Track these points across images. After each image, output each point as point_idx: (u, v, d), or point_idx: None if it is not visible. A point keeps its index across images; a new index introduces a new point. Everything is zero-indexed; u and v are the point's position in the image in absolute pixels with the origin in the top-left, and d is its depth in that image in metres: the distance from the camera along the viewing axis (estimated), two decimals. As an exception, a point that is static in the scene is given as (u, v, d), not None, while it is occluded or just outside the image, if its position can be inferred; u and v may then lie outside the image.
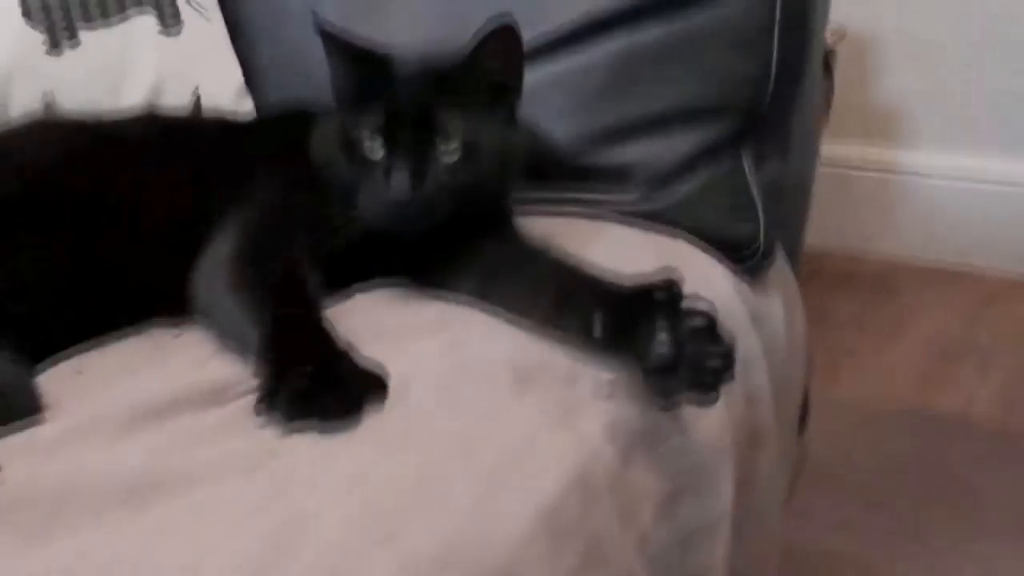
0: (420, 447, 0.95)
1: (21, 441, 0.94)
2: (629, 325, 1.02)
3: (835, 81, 2.70)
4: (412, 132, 1.12)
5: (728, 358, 0.98)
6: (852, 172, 3.05)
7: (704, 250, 1.36)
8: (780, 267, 1.47)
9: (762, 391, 1.29)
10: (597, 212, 1.37)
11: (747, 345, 1.28)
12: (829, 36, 2.36)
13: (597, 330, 1.04)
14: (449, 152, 1.13)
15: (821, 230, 2.15)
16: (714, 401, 1.00)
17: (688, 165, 1.38)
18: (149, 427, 0.96)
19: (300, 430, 0.94)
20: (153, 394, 1.00)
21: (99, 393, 1.02)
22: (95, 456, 0.91)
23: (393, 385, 1.00)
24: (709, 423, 1.13)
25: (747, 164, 1.40)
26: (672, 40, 1.36)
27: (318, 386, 0.96)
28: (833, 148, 2.39)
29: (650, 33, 1.37)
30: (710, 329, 0.99)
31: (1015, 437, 2.29)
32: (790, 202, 1.55)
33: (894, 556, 1.93)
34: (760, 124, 1.40)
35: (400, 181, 1.11)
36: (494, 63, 1.16)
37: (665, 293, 1.01)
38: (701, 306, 1.00)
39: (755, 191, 1.39)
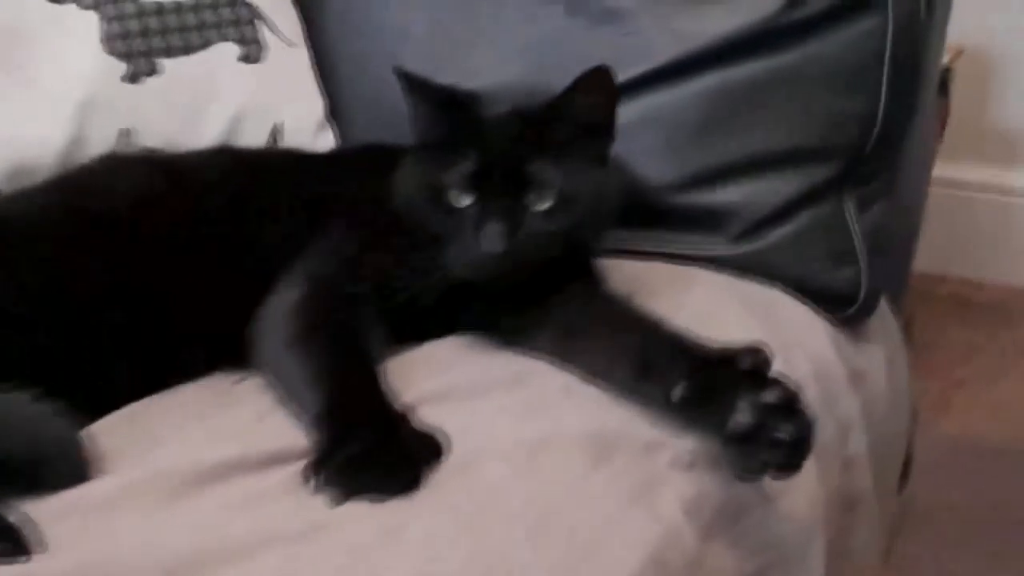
0: (487, 526, 0.90)
1: (67, 501, 0.91)
2: (711, 393, 0.96)
3: (951, 101, 2.59)
4: (504, 181, 1.08)
5: (804, 437, 0.93)
6: (968, 194, 2.92)
7: (800, 301, 1.29)
8: (882, 315, 1.39)
9: (860, 455, 1.21)
10: (687, 258, 1.31)
11: (845, 407, 1.21)
12: (946, 53, 2.26)
13: (677, 395, 0.99)
14: (543, 203, 1.08)
15: (935, 254, 2.05)
16: (791, 476, 0.95)
17: (785, 210, 1.31)
18: (196, 493, 0.92)
19: (353, 499, 0.91)
20: (205, 455, 0.97)
21: (151, 448, 0.99)
22: (136, 527, 0.88)
23: (460, 453, 0.96)
24: (797, 494, 1.06)
25: (849, 208, 1.32)
26: (770, 77, 1.30)
27: (372, 453, 0.93)
28: (948, 170, 2.29)
29: (746, 70, 1.30)
30: (790, 404, 0.93)
31: None
32: (897, 238, 1.46)
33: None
34: (865, 165, 1.32)
35: (493, 234, 1.06)
36: (587, 105, 1.11)
37: (751, 360, 0.96)
38: (784, 379, 0.95)
39: (857, 237, 1.31)
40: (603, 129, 1.13)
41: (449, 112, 1.13)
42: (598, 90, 1.11)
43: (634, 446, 1.00)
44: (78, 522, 0.88)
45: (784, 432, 0.91)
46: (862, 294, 1.31)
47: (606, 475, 0.97)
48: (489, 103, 1.13)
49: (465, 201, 1.08)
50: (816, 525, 1.08)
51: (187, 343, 1.12)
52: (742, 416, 0.93)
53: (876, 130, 1.30)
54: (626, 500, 0.95)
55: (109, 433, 0.99)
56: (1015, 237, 2.93)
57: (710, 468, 1.00)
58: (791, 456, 0.92)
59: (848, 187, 1.32)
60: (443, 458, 0.95)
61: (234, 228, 1.17)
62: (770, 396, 0.92)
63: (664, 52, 1.31)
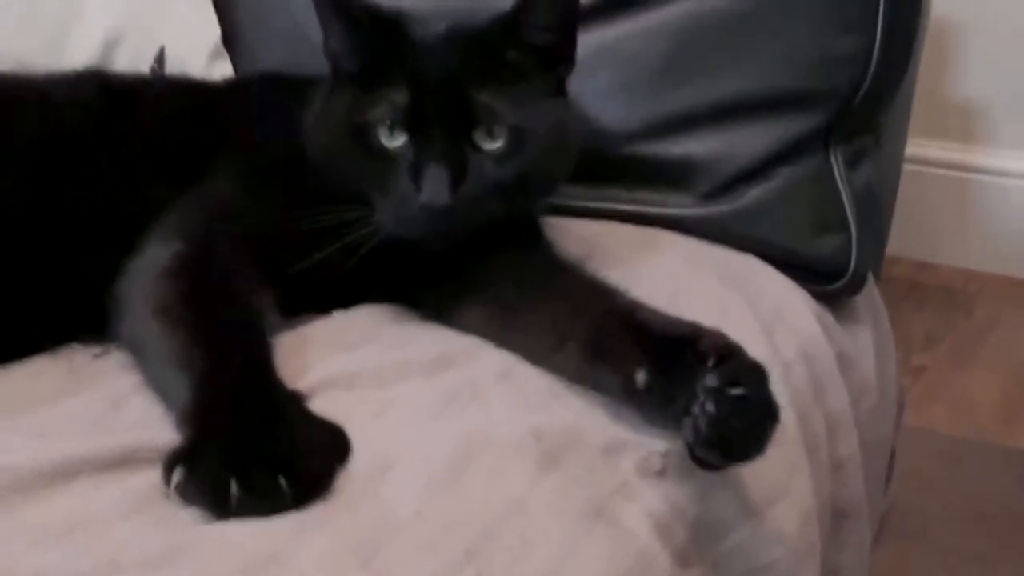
0: (397, 557, 0.70)
1: None
2: (672, 379, 0.79)
3: (911, 71, 2.46)
4: (445, 116, 0.90)
5: (765, 423, 0.76)
6: (924, 171, 2.79)
7: (780, 271, 1.11)
8: (870, 293, 1.21)
9: (851, 456, 1.04)
10: (648, 218, 1.14)
11: (835, 398, 1.05)
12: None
13: (641, 382, 0.81)
14: (494, 141, 0.90)
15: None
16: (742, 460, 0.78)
17: (763, 165, 1.13)
18: (24, 502, 0.73)
19: (227, 515, 0.70)
20: (43, 452, 0.76)
21: None
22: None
23: (366, 457, 0.76)
24: (787, 507, 0.89)
25: (837, 165, 1.15)
26: (748, 10, 1.14)
27: (255, 454, 0.72)
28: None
29: (721, 1, 1.13)
30: (754, 394, 0.76)
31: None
32: (884, 204, 1.31)
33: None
34: (853, 117, 1.15)
35: (436, 181, 0.89)
36: (542, 23, 0.93)
37: (712, 342, 0.79)
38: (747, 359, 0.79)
39: (846, 198, 1.14)
40: (561, 52, 0.96)
41: (373, 34, 0.94)
42: (555, 4, 0.93)
43: (590, 448, 0.82)
44: None
45: (745, 421, 0.75)
46: (852, 266, 1.14)
47: (554, 486, 0.78)
48: (422, 23, 0.95)
49: (397, 141, 0.91)
50: (810, 545, 0.90)
51: (40, 306, 0.93)
52: (706, 406, 0.75)
53: (869, 75, 1.13)
54: (581, 519, 0.76)
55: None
56: (972, 217, 2.82)
57: (683, 475, 0.82)
58: (753, 446, 0.76)
59: (835, 141, 1.16)
60: (347, 460, 0.76)
61: (97, 167, 0.97)
62: (736, 385, 0.75)
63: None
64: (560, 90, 0.98)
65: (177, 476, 0.71)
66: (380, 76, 0.93)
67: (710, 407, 0.74)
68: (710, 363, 0.76)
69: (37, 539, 0.70)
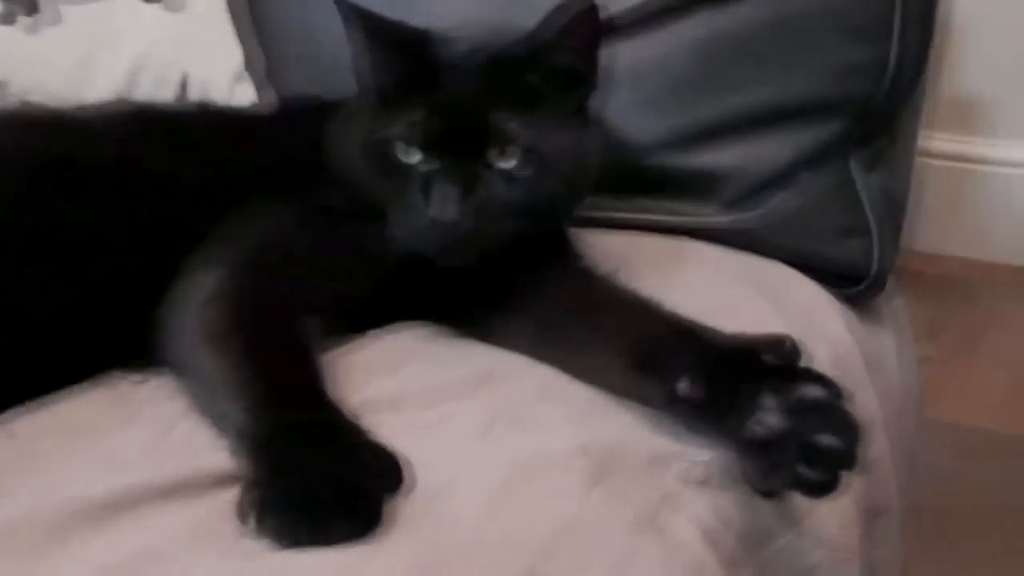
0: (467, 574, 0.71)
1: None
2: (726, 391, 0.79)
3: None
4: (461, 135, 0.90)
5: (851, 446, 0.75)
6: (923, 163, 2.78)
7: (807, 275, 1.13)
8: (890, 294, 1.22)
9: (883, 458, 1.05)
10: (673, 228, 1.15)
11: (865, 401, 1.05)
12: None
13: (684, 390, 0.81)
14: (507, 160, 0.90)
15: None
16: (828, 492, 0.76)
17: (786, 174, 1.15)
18: (89, 534, 0.72)
19: (294, 547, 0.70)
20: (101, 480, 0.76)
21: (34, 472, 0.79)
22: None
23: (419, 480, 0.76)
24: (826, 513, 0.89)
25: (856, 172, 1.16)
26: (767, 23, 1.14)
27: (322, 494, 0.72)
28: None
29: (741, 14, 1.14)
30: (831, 403, 0.76)
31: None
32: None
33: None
34: (870, 122, 1.16)
35: (445, 197, 0.89)
36: (566, 46, 0.93)
37: (775, 352, 0.79)
38: (821, 374, 0.78)
39: (867, 204, 1.15)
40: (583, 75, 0.96)
41: (399, 52, 0.94)
42: (579, 28, 0.94)
43: (636, 459, 0.82)
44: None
45: (825, 438, 0.73)
46: (874, 268, 1.15)
47: (605, 498, 0.78)
48: (446, 43, 0.95)
49: (414, 157, 0.92)
50: (850, 551, 0.91)
51: (82, 333, 0.92)
52: (768, 417, 0.75)
53: (887, 81, 1.14)
54: (633, 531, 0.76)
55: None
56: (972, 208, 2.82)
57: (727, 484, 0.83)
58: (832, 470, 0.74)
59: (854, 146, 1.17)
60: (405, 486, 0.76)
61: (133, 195, 0.96)
62: (805, 392, 0.75)
63: (645, -7, 1.14)
64: (581, 110, 0.97)
65: (253, 516, 0.71)
66: (402, 94, 0.93)
67: (771, 415, 0.74)
68: (770, 360, 0.77)
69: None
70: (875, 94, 1.14)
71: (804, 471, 0.74)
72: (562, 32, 0.93)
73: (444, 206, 0.88)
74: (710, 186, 1.15)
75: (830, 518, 0.88)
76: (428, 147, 0.91)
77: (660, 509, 0.79)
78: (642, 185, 1.15)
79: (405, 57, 0.94)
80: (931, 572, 1.70)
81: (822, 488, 0.75)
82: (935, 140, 2.79)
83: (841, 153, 1.15)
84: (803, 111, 1.14)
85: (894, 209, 1.19)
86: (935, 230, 2.83)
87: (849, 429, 0.75)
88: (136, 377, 0.90)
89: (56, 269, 0.92)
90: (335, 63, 0.99)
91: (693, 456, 0.83)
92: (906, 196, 1.41)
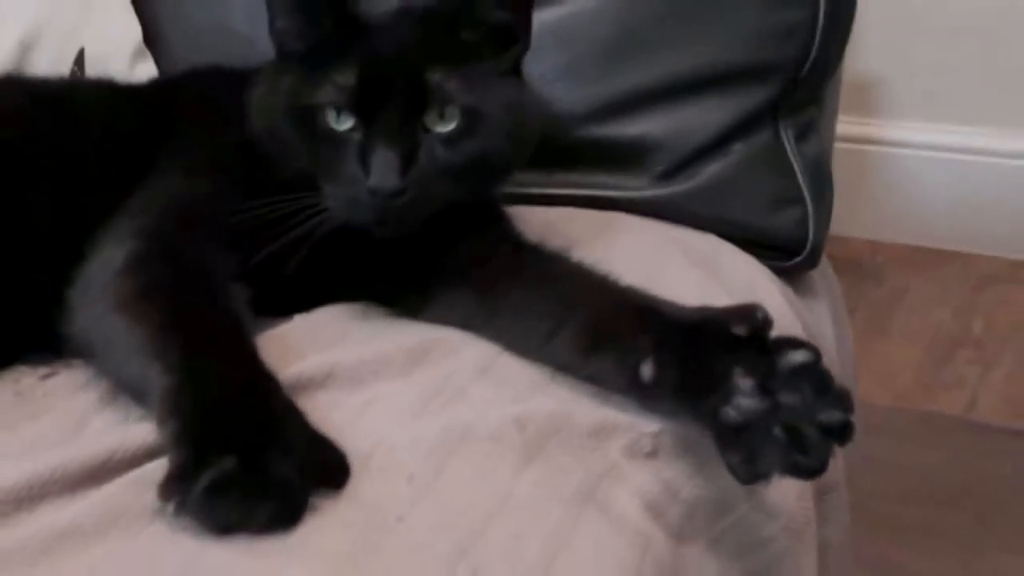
0: (396, 560, 0.67)
1: None
2: (696, 371, 0.74)
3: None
4: (396, 97, 0.85)
5: (845, 412, 0.70)
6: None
7: (742, 248, 1.09)
8: (824, 268, 1.19)
9: None
10: (604, 201, 1.11)
11: None
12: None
13: (648, 374, 0.76)
14: (446, 123, 0.86)
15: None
16: (822, 470, 0.71)
17: (717, 142, 1.11)
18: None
19: (222, 530, 0.66)
20: (12, 470, 0.71)
21: None
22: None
23: (353, 464, 0.72)
24: (786, 484, 0.84)
25: (787, 139, 1.13)
26: None
27: (253, 472, 0.67)
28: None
29: None
30: (814, 369, 0.71)
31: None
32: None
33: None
34: (800, 89, 1.13)
35: (385, 164, 0.84)
36: (497, 1, 0.89)
37: (746, 326, 0.73)
38: (801, 340, 0.74)
39: (799, 173, 1.12)
40: (516, 31, 0.92)
41: (321, 11, 0.89)
42: None
43: (575, 432, 0.78)
44: None
45: (824, 414, 0.69)
46: (810, 239, 1.11)
47: (541, 474, 0.75)
48: (371, 1, 0.91)
49: (345, 123, 0.87)
50: (808, 522, 0.87)
51: None
52: (744, 400, 0.71)
53: (815, 46, 1.12)
54: (570, 506, 0.73)
55: None
56: (875, 190, 2.84)
57: (677, 454, 0.80)
58: (827, 447, 0.69)
59: (784, 114, 1.14)
60: (344, 475, 0.71)
61: (33, 178, 0.91)
62: (785, 362, 0.70)
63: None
64: (516, 70, 0.93)
65: (176, 498, 0.66)
66: (327, 56, 0.88)
67: (746, 381, 0.70)
68: (740, 331, 0.72)
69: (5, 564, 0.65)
70: (804, 58, 1.11)
71: (796, 455, 0.69)
72: None
73: (385, 174, 0.83)
74: (640, 157, 1.11)
75: (788, 489, 0.85)
76: (361, 111, 0.86)
77: (600, 483, 0.76)
78: (571, 158, 1.11)
79: (329, 16, 0.89)
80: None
81: (816, 469, 0.71)
82: (837, 122, 2.81)
83: (771, 121, 1.12)
84: (732, 77, 1.11)
85: (825, 180, 1.16)
86: (840, 212, 2.84)
87: (841, 399, 0.70)
88: (44, 370, 0.85)
89: None
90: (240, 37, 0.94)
91: (641, 428, 0.80)
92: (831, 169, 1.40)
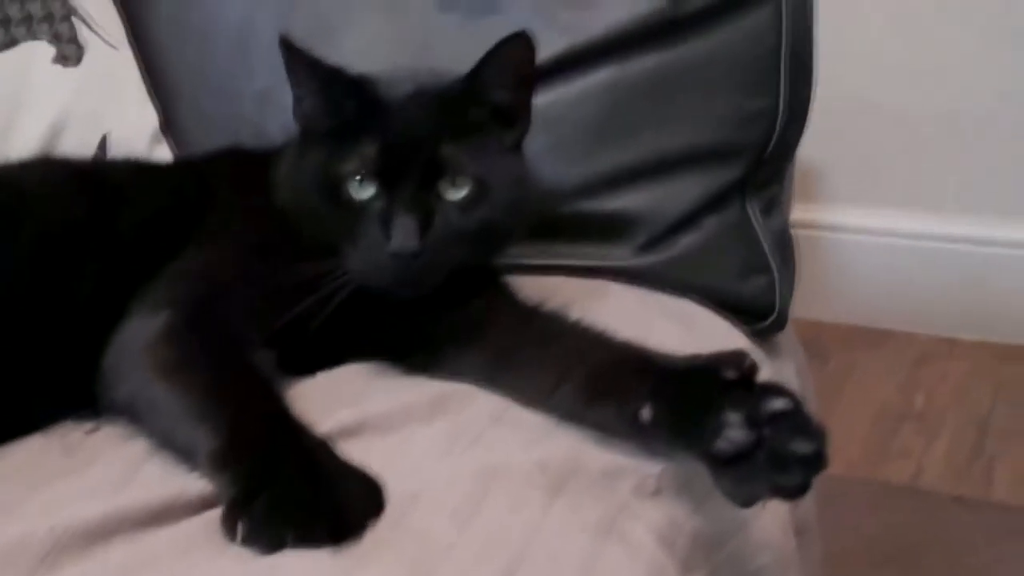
0: None
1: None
2: (690, 412, 0.81)
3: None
4: (412, 168, 0.94)
5: (820, 443, 0.78)
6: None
7: (716, 312, 1.18)
8: (789, 332, 1.28)
9: None
10: (590, 271, 1.19)
11: None
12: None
13: (647, 416, 0.84)
14: (457, 191, 0.94)
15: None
16: (803, 494, 0.79)
17: (691, 216, 1.20)
18: (80, 555, 0.74)
19: (281, 548, 0.73)
20: (74, 514, 0.77)
21: (6, 509, 0.79)
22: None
23: (394, 499, 0.79)
24: (768, 518, 0.95)
25: (754, 213, 1.23)
26: (666, 73, 1.19)
27: (305, 492, 0.75)
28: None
29: (640, 65, 1.19)
30: (795, 412, 0.79)
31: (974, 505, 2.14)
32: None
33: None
34: (765, 167, 1.23)
35: (405, 229, 0.92)
36: (499, 82, 0.98)
37: (735, 371, 0.81)
38: (781, 385, 0.82)
39: (766, 243, 1.21)
40: (518, 112, 1.01)
41: (344, 92, 0.98)
42: (516, 60, 0.99)
43: (590, 474, 0.86)
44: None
45: (798, 445, 0.76)
46: (777, 303, 1.21)
47: (566, 509, 0.82)
48: (389, 85, 0.99)
49: (367, 192, 0.95)
50: (791, 553, 0.96)
51: (30, 386, 0.92)
52: (734, 432, 0.78)
53: (777, 130, 1.21)
54: (595, 536, 0.80)
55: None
56: (819, 272, 2.91)
57: (678, 493, 0.88)
58: (808, 473, 0.77)
59: (751, 191, 1.23)
60: (382, 501, 0.79)
61: (76, 248, 0.97)
62: (769, 404, 0.78)
63: (550, 46, 1.17)
64: (518, 148, 1.02)
65: (241, 529, 0.73)
66: (351, 133, 0.96)
67: (737, 429, 0.76)
68: (730, 375, 0.80)
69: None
70: (768, 141, 1.20)
71: (780, 478, 0.77)
72: (496, 69, 0.97)
73: (405, 238, 0.91)
74: (622, 230, 1.19)
75: (773, 523, 0.93)
76: (382, 179, 0.93)
77: (617, 517, 0.83)
78: (559, 231, 1.19)
79: (352, 98, 0.97)
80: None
81: (798, 491, 0.78)
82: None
83: (740, 197, 1.21)
84: (704, 157, 1.19)
85: (788, 252, 1.25)
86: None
87: (816, 433, 0.78)
88: (88, 426, 0.91)
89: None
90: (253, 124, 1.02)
91: (645, 470, 0.87)
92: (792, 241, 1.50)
